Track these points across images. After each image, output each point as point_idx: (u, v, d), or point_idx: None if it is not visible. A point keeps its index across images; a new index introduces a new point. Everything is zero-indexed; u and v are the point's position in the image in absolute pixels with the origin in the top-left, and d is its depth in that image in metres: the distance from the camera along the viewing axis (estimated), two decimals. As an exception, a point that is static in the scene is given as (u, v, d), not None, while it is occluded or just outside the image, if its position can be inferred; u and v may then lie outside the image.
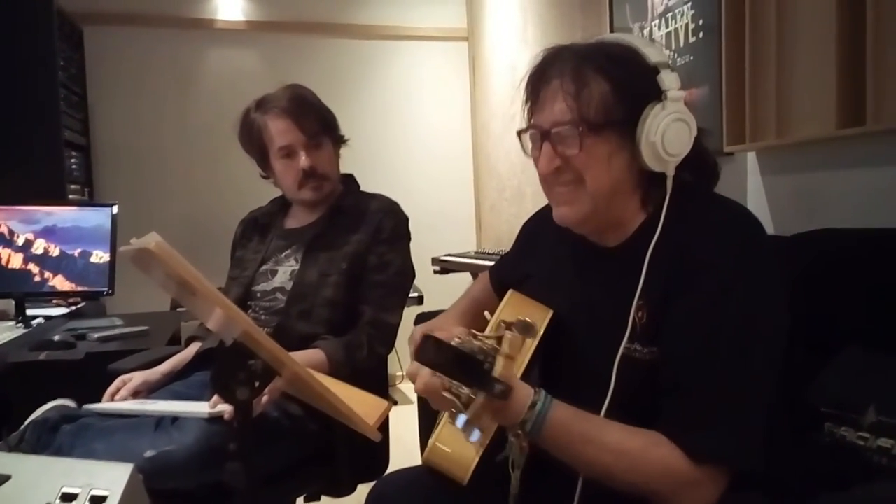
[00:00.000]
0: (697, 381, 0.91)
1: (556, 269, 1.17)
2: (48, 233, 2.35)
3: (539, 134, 1.03)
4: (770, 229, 1.86)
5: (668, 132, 0.97)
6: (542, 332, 1.07)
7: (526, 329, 0.87)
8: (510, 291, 1.21)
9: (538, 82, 1.04)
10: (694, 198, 1.01)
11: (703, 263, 0.93)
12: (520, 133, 1.09)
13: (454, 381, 0.81)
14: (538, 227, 1.29)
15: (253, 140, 1.78)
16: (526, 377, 0.98)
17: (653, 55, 0.99)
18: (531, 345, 1.02)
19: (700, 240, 0.95)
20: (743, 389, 0.90)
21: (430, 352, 0.78)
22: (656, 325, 0.96)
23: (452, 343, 0.84)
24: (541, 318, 1.11)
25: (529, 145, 1.08)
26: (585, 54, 1.00)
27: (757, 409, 0.90)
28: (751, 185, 1.96)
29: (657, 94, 0.98)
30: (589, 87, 0.97)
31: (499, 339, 0.84)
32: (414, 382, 0.94)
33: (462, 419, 0.79)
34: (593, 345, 1.05)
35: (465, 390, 0.82)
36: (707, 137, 1.06)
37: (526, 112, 1.08)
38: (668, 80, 0.98)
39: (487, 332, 1.01)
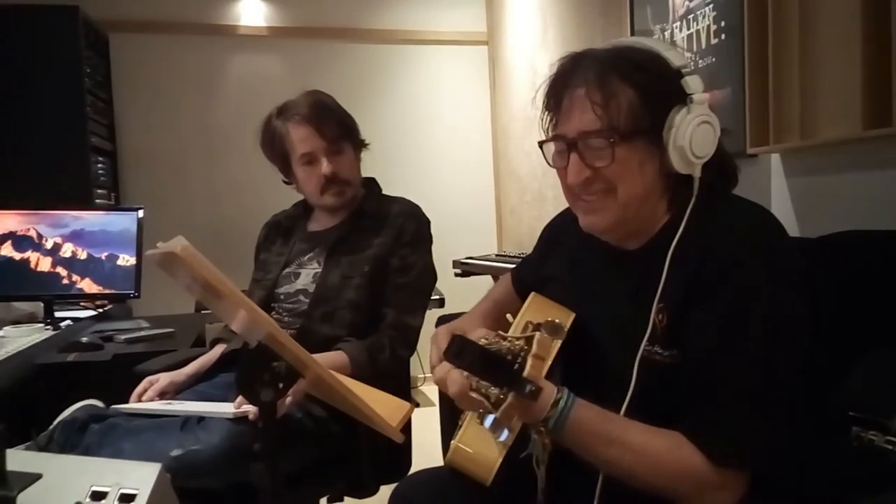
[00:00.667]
0: (720, 385, 0.90)
1: (578, 272, 1.17)
2: (76, 237, 2.39)
3: (566, 145, 1.02)
4: (794, 231, 1.84)
5: (695, 135, 0.96)
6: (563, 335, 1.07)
7: (555, 330, 0.88)
8: (532, 294, 1.21)
9: (560, 90, 1.03)
10: (715, 200, 1.01)
11: (726, 267, 0.92)
12: (542, 143, 1.08)
13: (483, 381, 0.81)
14: (560, 229, 1.29)
15: (275, 147, 1.79)
16: (548, 379, 0.98)
17: (675, 59, 0.98)
18: (556, 346, 1.02)
19: (722, 243, 0.94)
20: (765, 394, 0.89)
21: (460, 351, 0.78)
22: (677, 328, 0.96)
23: (480, 343, 0.84)
24: (563, 320, 1.11)
25: (552, 157, 1.07)
26: (608, 61, 0.99)
27: (779, 414, 0.90)
28: (775, 186, 1.94)
29: (682, 98, 0.97)
30: (616, 96, 0.96)
31: (527, 340, 0.84)
32: (438, 383, 0.93)
33: (491, 419, 0.79)
34: (614, 347, 1.05)
35: (494, 390, 0.82)
36: (727, 138, 1.05)
37: (546, 121, 1.07)
38: (693, 83, 0.97)
39: (512, 332, 1.01)
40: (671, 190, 1.03)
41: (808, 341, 0.93)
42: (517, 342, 0.87)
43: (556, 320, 0.90)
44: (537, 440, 0.90)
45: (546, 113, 1.06)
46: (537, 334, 0.84)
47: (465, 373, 0.82)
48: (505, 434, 0.79)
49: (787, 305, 0.91)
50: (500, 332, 0.94)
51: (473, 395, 0.83)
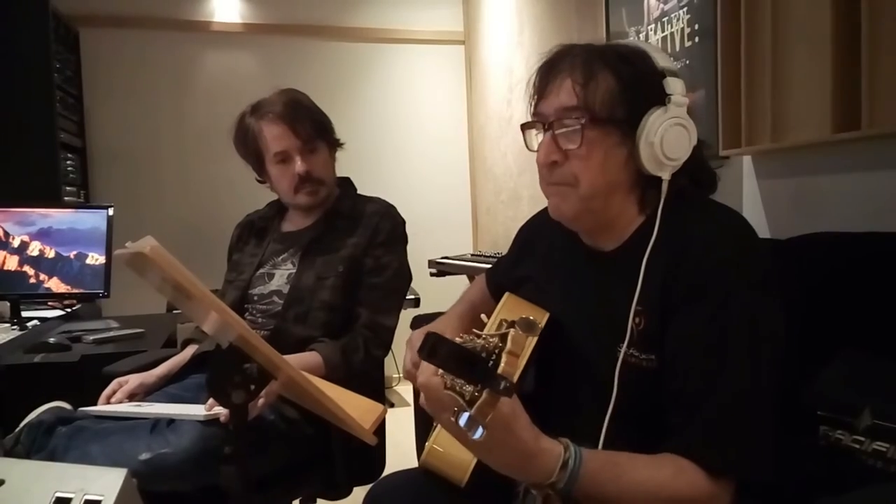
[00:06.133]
0: (708, 398, 0.90)
1: (553, 273, 1.17)
2: (44, 235, 2.34)
3: (543, 126, 1.03)
4: (766, 233, 1.86)
5: (667, 135, 0.97)
6: (537, 336, 1.07)
7: (529, 327, 0.87)
8: (507, 294, 1.21)
9: (547, 74, 1.04)
10: (691, 204, 1.01)
11: (705, 275, 0.93)
12: (524, 127, 1.09)
13: (457, 378, 0.81)
14: (535, 230, 1.29)
15: (248, 146, 1.78)
16: (521, 378, 0.98)
17: (661, 60, 1.00)
18: (530, 343, 1.02)
19: (698, 249, 0.95)
20: (752, 401, 0.90)
21: (434, 349, 0.78)
22: (654, 333, 0.96)
23: (455, 340, 0.84)
24: (537, 319, 1.11)
25: (532, 141, 1.08)
26: (596, 51, 1.01)
27: (766, 419, 0.90)
28: (746, 188, 1.97)
29: (661, 98, 0.98)
30: (596, 79, 0.98)
31: (502, 337, 0.84)
32: (413, 381, 0.92)
33: (465, 417, 0.79)
34: (590, 349, 1.05)
35: (468, 388, 0.82)
36: (706, 149, 1.06)
37: (532, 106, 1.07)
38: (674, 85, 0.98)
39: (487, 330, 1.01)
40: (642, 189, 1.03)
41: (783, 345, 0.94)
42: (491, 339, 0.86)
43: (531, 317, 0.90)
44: (538, 497, 0.89)
45: (532, 97, 1.07)
46: (511, 331, 0.84)
47: (440, 371, 0.82)
48: (479, 432, 0.79)
49: (767, 311, 0.92)
50: (475, 330, 0.94)
51: (449, 392, 0.83)
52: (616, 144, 0.99)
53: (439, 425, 1.01)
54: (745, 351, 0.90)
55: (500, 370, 0.79)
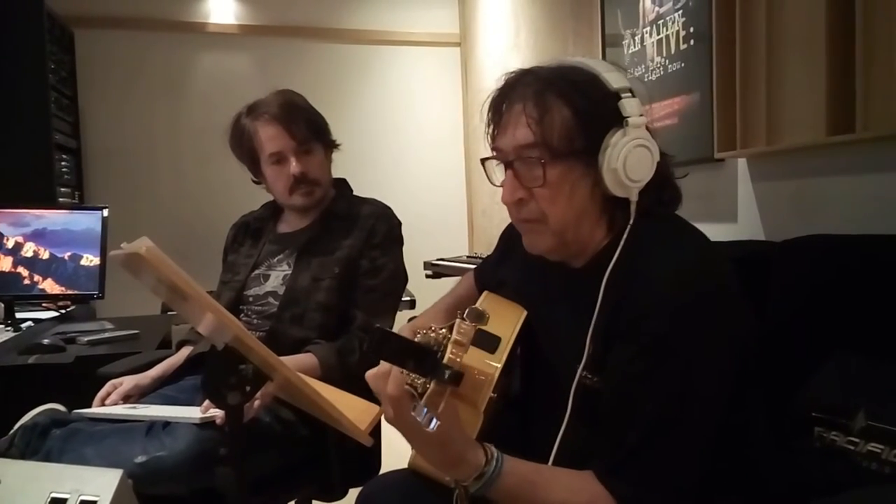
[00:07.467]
0: (627, 426, 0.91)
1: (527, 281, 1.18)
2: (38, 236, 2.34)
3: (503, 163, 1.03)
4: (760, 235, 1.87)
5: (629, 158, 0.96)
6: (517, 331, 1.08)
7: (477, 317, 0.89)
8: (485, 292, 1.22)
9: (500, 105, 1.03)
10: (653, 226, 0.99)
11: (649, 309, 0.91)
12: (484, 161, 1.08)
13: (409, 372, 0.83)
14: (516, 234, 1.29)
15: (244, 146, 1.77)
16: (509, 379, 0.98)
17: (614, 81, 0.98)
18: (509, 338, 1.02)
19: (644, 283, 0.93)
20: (674, 438, 0.90)
21: (380, 343, 0.80)
22: (601, 356, 0.97)
23: (416, 339, 0.85)
24: (514, 317, 1.12)
25: (494, 175, 1.07)
26: (547, 79, 0.99)
27: (682, 459, 0.91)
28: (741, 191, 1.97)
29: (619, 121, 0.97)
30: (551, 112, 0.96)
31: (450, 328, 0.86)
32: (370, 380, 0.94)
33: (424, 410, 0.80)
34: (557, 362, 1.06)
35: (420, 380, 0.84)
36: (671, 162, 1.04)
37: (488, 136, 1.07)
38: (630, 106, 0.96)
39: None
40: (609, 212, 1.03)
41: (725, 391, 0.94)
42: (441, 331, 0.88)
43: (479, 307, 0.91)
44: (458, 492, 0.91)
45: (488, 127, 1.06)
46: (458, 320, 0.85)
47: (402, 371, 0.83)
48: (433, 423, 0.80)
49: (702, 359, 0.91)
50: (432, 325, 0.96)
51: (407, 388, 0.84)
52: (580, 176, 0.98)
53: None
54: (671, 393, 0.90)
55: (445, 359, 0.81)
